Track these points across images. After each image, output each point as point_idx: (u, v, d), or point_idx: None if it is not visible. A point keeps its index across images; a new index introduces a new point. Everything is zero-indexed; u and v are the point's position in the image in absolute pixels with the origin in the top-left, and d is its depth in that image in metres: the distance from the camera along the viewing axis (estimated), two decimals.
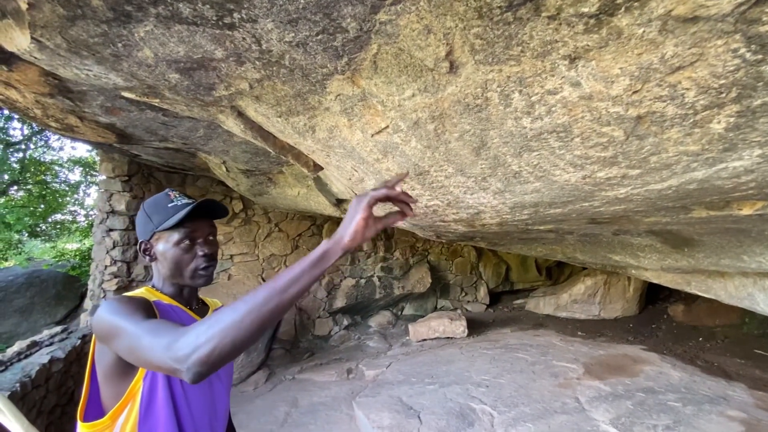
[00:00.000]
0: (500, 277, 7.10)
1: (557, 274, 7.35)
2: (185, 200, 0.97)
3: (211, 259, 0.97)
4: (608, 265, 3.24)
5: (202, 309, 1.07)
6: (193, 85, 1.51)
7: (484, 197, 1.54)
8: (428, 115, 1.23)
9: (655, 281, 3.16)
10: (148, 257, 0.97)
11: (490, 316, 6.51)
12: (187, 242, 0.94)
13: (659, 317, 5.45)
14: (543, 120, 1.08)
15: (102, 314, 0.79)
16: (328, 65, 1.22)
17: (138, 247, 0.99)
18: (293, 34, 1.09)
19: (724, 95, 0.85)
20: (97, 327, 0.80)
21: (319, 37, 1.08)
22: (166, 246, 0.94)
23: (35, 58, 1.47)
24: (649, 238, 2.27)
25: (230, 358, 0.66)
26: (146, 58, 1.32)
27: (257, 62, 1.28)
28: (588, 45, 0.85)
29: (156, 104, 1.81)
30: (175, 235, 0.94)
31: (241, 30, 1.12)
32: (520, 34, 0.89)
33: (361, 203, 0.72)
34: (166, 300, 0.96)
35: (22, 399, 2.83)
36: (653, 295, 5.97)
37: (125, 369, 0.83)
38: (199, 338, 0.65)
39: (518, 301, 7.04)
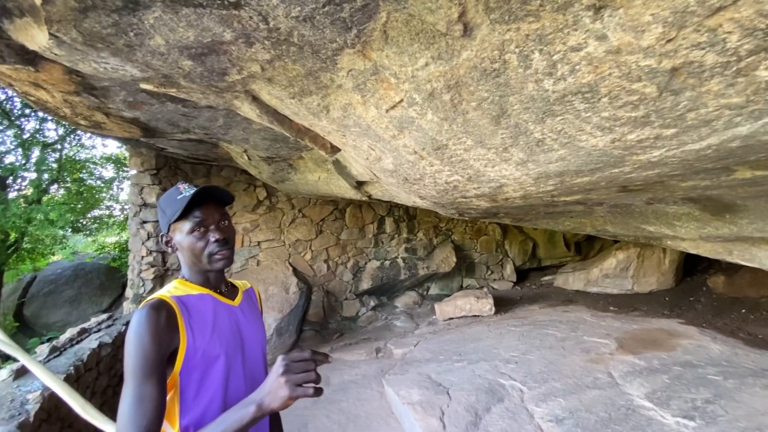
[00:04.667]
0: (527, 254, 6.96)
1: (587, 248, 7.13)
2: (193, 190, 0.99)
3: (224, 243, 1.00)
4: (641, 237, 3.10)
5: (231, 291, 1.10)
6: (206, 71, 1.51)
7: (506, 169, 1.48)
8: (443, 84, 1.18)
9: (693, 252, 3.00)
10: (170, 249, 1.01)
11: (517, 293, 6.43)
12: (200, 230, 0.98)
13: (698, 290, 5.21)
14: (566, 80, 1.01)
15: (131, 332, 0.85)
16: (338, 39, 1.19)
17: (160, 239, 1.03)
18: (299, 8, 1.06)
19: None
20: (128, 335, 0.86)
21: (326, 8, 1.05)
22: (181, 236, 0.98)
23: (55, 54, 1.51)
24: (686, 205, 2.14)
25: None
26: (158, 46, 1.33)
27: (266, 42, 1.26)
28: None
29: (173, 94, 1.83)
30: (187, 225, 0.98)
31: (247, 8, 1.10)
32: None
33: (278, 369, 0.77)
34: (195, 290, 0.99)
35: (76, 381, 3.07)
36: (691, 267, 5.69)
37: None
38: None
39: (546, 278, 6.90)
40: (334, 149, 2.42)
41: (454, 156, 1.52)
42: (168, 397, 0.87)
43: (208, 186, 0.99)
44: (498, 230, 6.95)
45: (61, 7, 1.14)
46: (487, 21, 0.95)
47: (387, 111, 1.42)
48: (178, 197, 0.98)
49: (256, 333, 1.08)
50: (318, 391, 0.79)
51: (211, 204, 1.01)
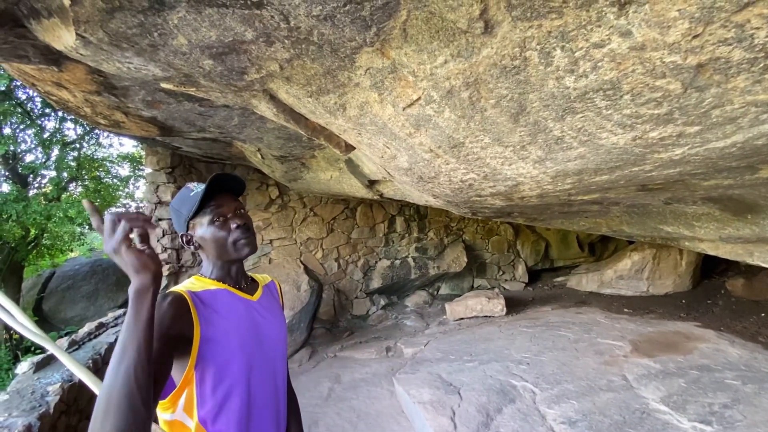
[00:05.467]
0: (539, 255, 6.89)
1: (601, 249, 7.03)
2: (203, 185, 1.00)
3: (247, 229, 1.01)
4: (658, 238, 3.05)
5: (251, 286, 1.11)
6: (226, 70, 1.54)
7: (523, 167, 1.47)
8: (462, 82, 1.18)
9: (711, 253, 2.94)
10: (192, 247, 1.02)
11: (529, 294, 6.37)
12: (220, 219, 0.99)
13: (715, 292, 5.10)
14: (588, 77, 1.00)
15: None
16: (357, 38, 1.20)
17: (180, 240, 1.03)
18: (321, 7, 1.07)
19: None
20: None
21: (347, 7, 1.06)
22: (202, 230, 0.99)
23: (81, 54, 1.55)
24: (705, 205, 2.10)
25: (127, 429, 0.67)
26: (181, 45, 1.36)
27: (286, 41, 1.27)
28: None
29: (192, 93, 1.87)
30: (206, 217, 0.98)
31: (269, 8, 1.12)
32: None
33: (115, 245, 0.72)
34: (212, 285, 1.00)
35: (94, 374, 3.14)
36: (708, 269, 5.57)
37: (179, 357, 0.87)
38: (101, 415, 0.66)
39: (559, 279, 6.83)
40: (348, 148, 2.43)
41: (470, 154, 1.52)
42: (186, 391, 0.89)
43: (221, 174, 1.00)
44: (510, 230, 6.89)
45: (89, 8, 1.17)
46: (508, 18, 0.95)
47: (404, 109, 1.43)
48: (191, 194, 1.00)
49: (276, 327, 1.08)
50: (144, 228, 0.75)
51: (225, 193, 1.02)
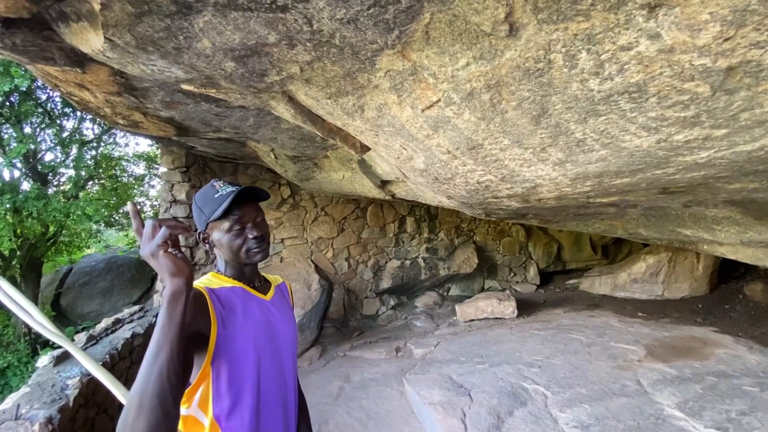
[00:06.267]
0: (551, 257, 6.83)
1: (614, 252, 6.94)
2: (229, 188, 1.01)
3: (261, 240, 1.03)
4: (676, 241, 3.00)
5: (264, 286, 1.14)
6: (247, 72, 1.56)
7: (542, 169, 1.46)
8: (483, 84, 1.18)
9: (731, 257, 2.88)
10: (207, 245, 1.04)
11: (540, 296, 6.32)
12: (237, 228, 1.01)
13: (733, 297, 5.00)
14: (613, 80, 1.00)
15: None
16: (378, 40, 1.21)
17: (197, 237, 1.06)
18: (345, 10, 1.08)
19: None
20: None
21: (371, 10, 1.07)
22: (219, 234, 1.01)
23: (107, 57, 1.59)
24: (727, 209, 2.06)
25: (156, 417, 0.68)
26: (204, 48, 1.38)
27: (308, 44, 1.29)
28: None
29: (212, 94, 1.90)
30: (226, 224, 1.00)
31: (293, 11, 1.13)
32: None
33: (153, 249, 0.75)
34: (229, 283, 1.02)
35: (111, 369, 3.21)
36: (726, 273, 5.46)
37: (195, 352, 0.88)
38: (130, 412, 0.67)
39: (571, 281, 6.76)
40: (364, 148, 2.44)
41: (488, 156, 1.52)
42: (202, 387, 0.90)
43: (248, 187, 1.02)
44: (522, 232, 6.84)
45: (118, 12, 1.20)
46: (534, 21, 0.95)
47: (423, 111, 1.43)
48: (216, 195, 1.01)
49: (287, 327, 1.10)
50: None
51: (248, 202, 1.04)
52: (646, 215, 2.53)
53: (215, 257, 1.12)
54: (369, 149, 2.46)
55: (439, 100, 1.34)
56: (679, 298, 5.23)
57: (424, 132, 1.57)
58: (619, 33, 0.89)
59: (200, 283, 0.98)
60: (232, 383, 0.92)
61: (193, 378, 0.89)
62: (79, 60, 2.12)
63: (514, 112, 1.24)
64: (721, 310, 4.71)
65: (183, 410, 0.90)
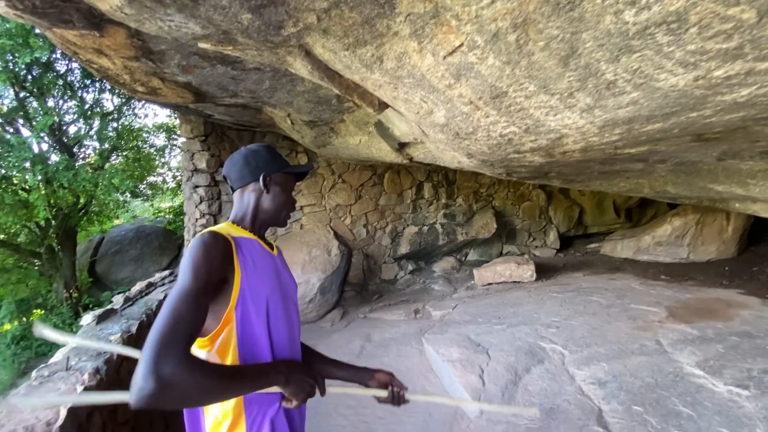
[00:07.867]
0: (572, 221, 6.72)
1: (638, 215, 6.76)
2: (303, 165, 1.21)
3: (294, 211, 1.19)
4: (705, 199, 2.89)
5: (269, 245, 1.18)
6: (264, 24, 1.53)
7: (569, 117, 1.41)
8: (509, 23, 1.13)
9: (765, 215, 2.76)
10: (265, 189, 1.09)
11: (560, 260, 6.28)
12: (292, 192, 1.16)
13: (763, 260, 4.84)
14: (651, 9, 0.93)
15: (187, 254, 0.90)
16: None
17: (263, 180, 1.09)
18: None
19: None
20: (183, 258, 0.92)
21: None
22: (277, 189, 1.11)
23: (125, 14, 1.59)
24: (764, 160, 1.96)
25: (180, 405, 0.80)
26: None
27: None
28: None
29: (229, 52, 1.88)
30: (292, 183, 1.16)
31: None
32: None
33: (307, 394, 0.97)
34: (246, 234, 1.05)
35: (147, 327, 3.43)
36: (757, 235, 5.27)
37: (218, 297, 0.91)
38: (186, 378, 0.72)
39: (592, 245, 6.67)
40: (382, 105, 2.40)
41: (512, 104, 1.47)
42: (224, 332, 0.91)
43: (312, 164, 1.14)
44: (543, 196, 6.72)
45: None
46: None
47: (444, 58, 1.39)
48: (284, 157, 1.16)
49: (292, 283, 1.16)
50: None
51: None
52: (675, 171, 2.43)
53: (223, 210, 1.22)
54: (387, 107, 2.41)
55: (461, 45, 1.29)
56: (705, 260, 5.10)
57: (445, 81, 1.53)
58: None
59: (223, 230, 0.99)
60: (252, 330, 0.94)
61: (217, 323, 0.91)
62: (97, 22, 2.12)
63: (542, 54, 1.18)
64: (749, 272, 4.59)
65: (203, 354, 0.91)
